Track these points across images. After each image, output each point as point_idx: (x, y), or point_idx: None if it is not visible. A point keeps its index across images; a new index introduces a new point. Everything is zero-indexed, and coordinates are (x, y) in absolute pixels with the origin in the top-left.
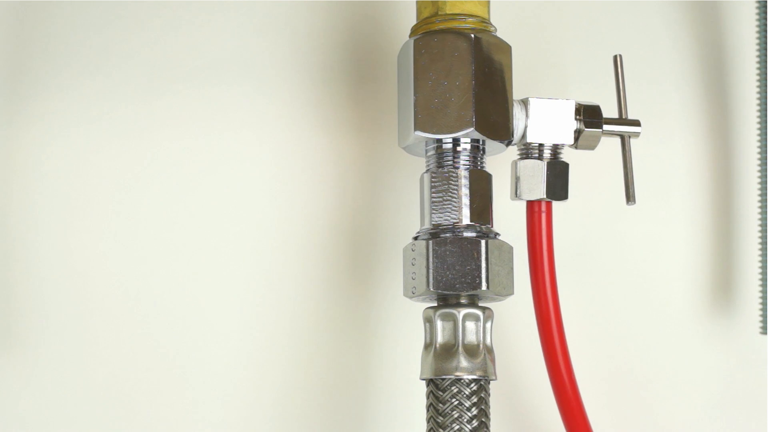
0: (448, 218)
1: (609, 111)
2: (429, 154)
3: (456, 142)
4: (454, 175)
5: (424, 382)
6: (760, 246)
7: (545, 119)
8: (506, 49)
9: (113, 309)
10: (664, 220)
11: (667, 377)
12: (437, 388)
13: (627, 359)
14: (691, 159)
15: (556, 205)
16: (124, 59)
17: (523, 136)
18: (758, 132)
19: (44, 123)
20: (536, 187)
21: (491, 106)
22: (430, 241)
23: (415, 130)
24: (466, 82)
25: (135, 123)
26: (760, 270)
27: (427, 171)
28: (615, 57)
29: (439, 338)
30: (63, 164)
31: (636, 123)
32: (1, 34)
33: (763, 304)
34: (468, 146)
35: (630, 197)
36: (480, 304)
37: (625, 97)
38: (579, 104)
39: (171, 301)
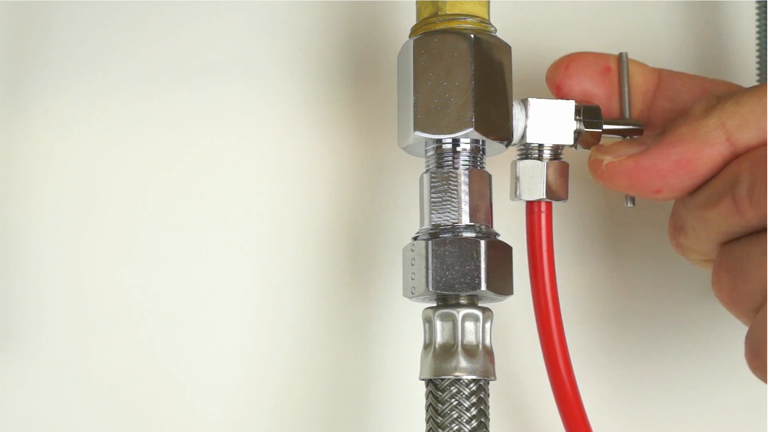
0: (448, 218)
1: None
2: (429, 154)
3: (456, 142)
4: (453, 175)
5: (424, 382)
6: None
7: (545, 119)
8: (506, 49)
9: (112, 309)
10: (664, 220)
11: (667, 377)
12: (436, 388)
13: (627, 359)
14: None
15: (556, 206)
16: (124, 59)
17: (523, 136)
18: None
19: (43, 122)
20: (536, 187)
21: (491, 106)
22: (430, 242)
23: (415, 130)
24: (465, 83)
25: (134, 123)
26: None
27: (427, 171)
28: (620, 55)
29: (439, 338)
30: (62, 164)
31: (637, 123)
32: (0, 34)
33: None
34: (468, 146)
35: (628, 199)
36: (479, 305)
37: (629, 97)
38: (579, 104)
39: (170, 301)
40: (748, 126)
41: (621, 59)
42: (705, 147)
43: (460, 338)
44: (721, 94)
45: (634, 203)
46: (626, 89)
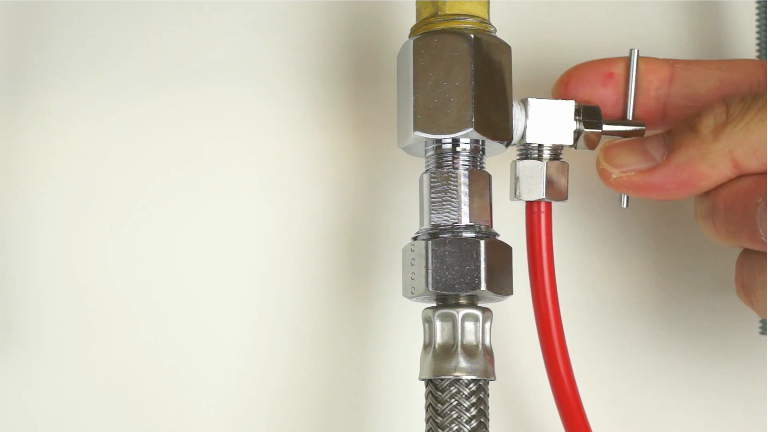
0: (448, 218)
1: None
2: (428, 154)
3: (455, 142)
4: (453, 175)
5: (423, 382)
6: None
7: (544, 120)
8: (506, 49)
9: (112, 309)
10: (664, 220)
11: (666, 377)
12: (436, 388)
13: (626, 359)
14: None
15: (556, 206)
16: (124, 59)
17: (523, 136)
18: None
19: (43, 122)
20: (535, 187)
21: (491, 106)
22: (429, 242)
23: (415, 130)
24: (465, 83)
25: (133, 123)
26: None
27: (427, 171)
28: (630, 51)
29: (438, 338)
30: (61, 164)
31: (639, 123)
32: (0, 34)
33: (763, 304)
34: (467, 146)
35: (623, 200)
36: (479, 305)
37: (635, 96)
38: (579, 104)
39: (170, 301)
40: (756, 155)
41: (631, 56)
42: (712, 171)
43: (459, 338)
44: (731, 102)
45: (627, 204)
46: (632, 88)
